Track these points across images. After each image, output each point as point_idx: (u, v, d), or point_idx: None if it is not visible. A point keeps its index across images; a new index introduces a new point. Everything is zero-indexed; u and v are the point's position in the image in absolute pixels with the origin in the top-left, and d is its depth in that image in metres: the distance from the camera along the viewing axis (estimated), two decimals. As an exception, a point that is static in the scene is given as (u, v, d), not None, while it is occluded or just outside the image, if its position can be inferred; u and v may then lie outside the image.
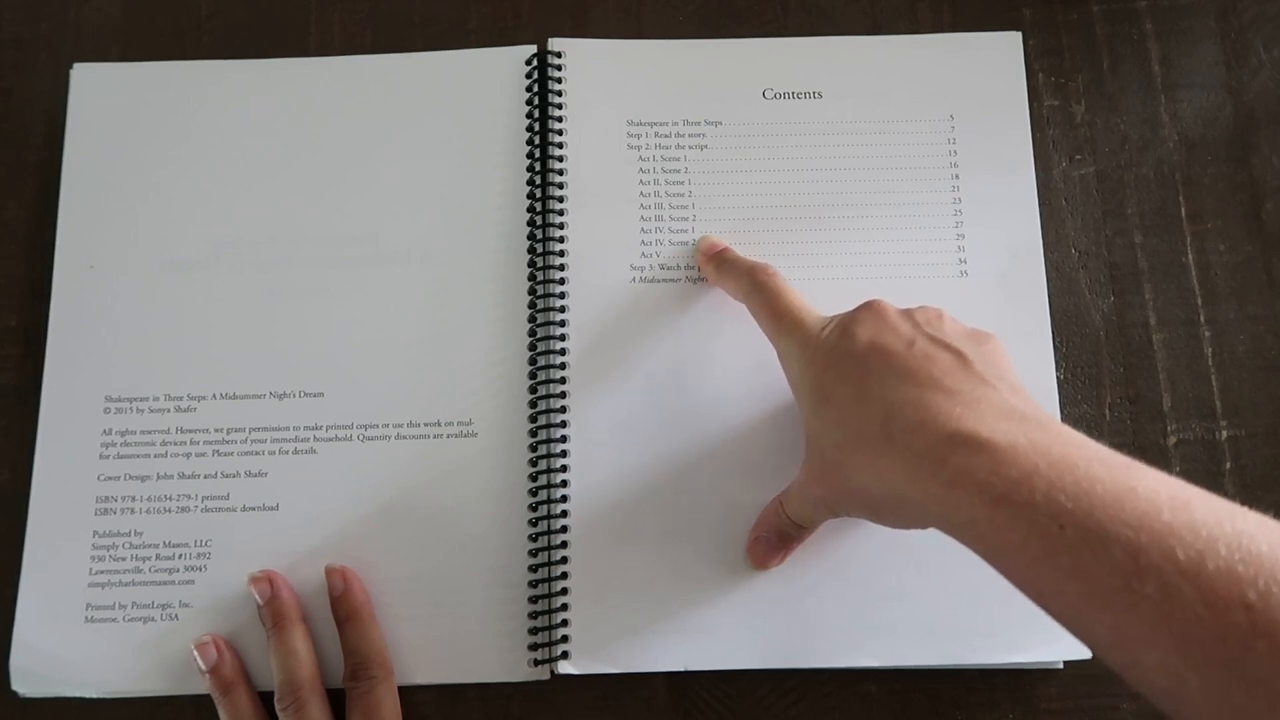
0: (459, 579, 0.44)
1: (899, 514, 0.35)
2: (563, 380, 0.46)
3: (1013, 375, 0.36)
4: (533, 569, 0.44)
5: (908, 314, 0.38)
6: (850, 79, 0.50)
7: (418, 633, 0.44)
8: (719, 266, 0.46)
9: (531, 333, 0.47)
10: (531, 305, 0.47)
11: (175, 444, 0.46)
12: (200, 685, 0.43)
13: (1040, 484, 0.29)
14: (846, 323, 0.38)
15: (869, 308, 0.38)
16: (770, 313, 0.42)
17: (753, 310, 0.43)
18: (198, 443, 0.46)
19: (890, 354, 0.35)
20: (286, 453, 0.46)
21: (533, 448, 0.45)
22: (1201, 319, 0.48)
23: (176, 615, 0.44)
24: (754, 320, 0.43)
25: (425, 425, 0.46)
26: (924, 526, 0.34)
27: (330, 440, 0.46)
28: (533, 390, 0.46)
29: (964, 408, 0.32)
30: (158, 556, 0.44)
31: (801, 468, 0.40)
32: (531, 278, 0.47)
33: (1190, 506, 0.27)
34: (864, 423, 0.34)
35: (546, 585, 0.44)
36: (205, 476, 0.45)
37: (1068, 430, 0.32)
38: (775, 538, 0.43)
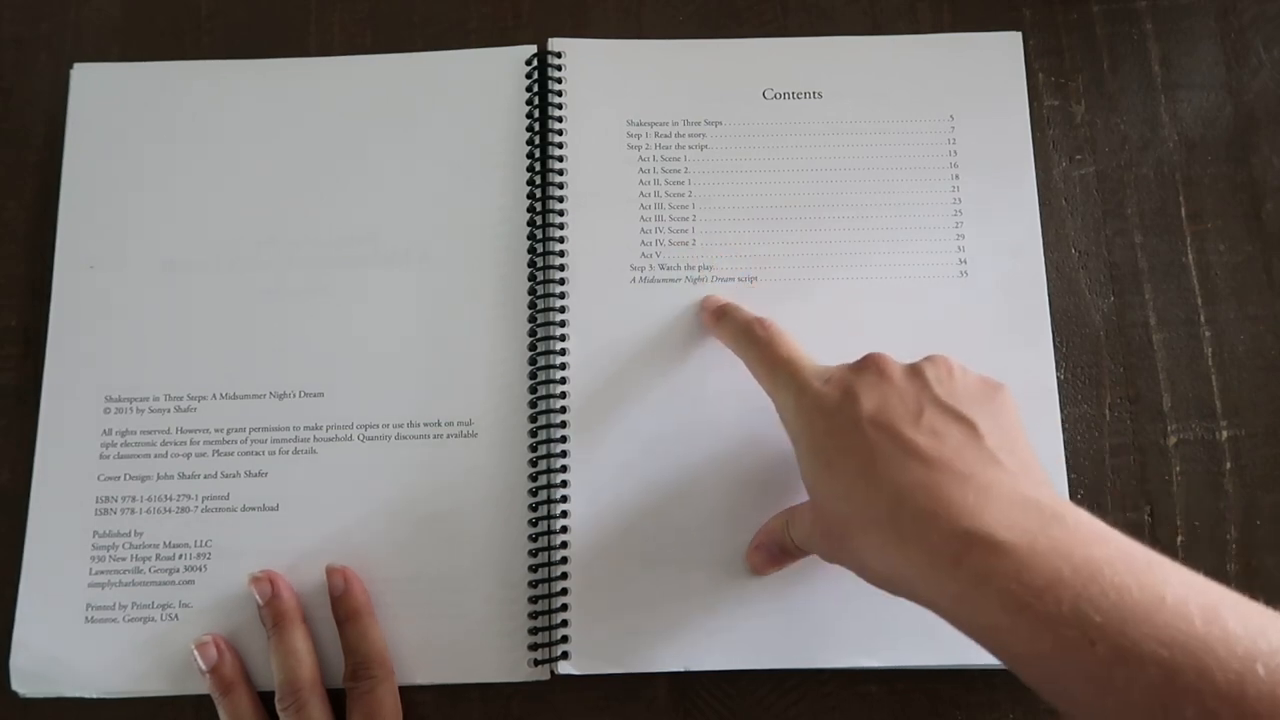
0: (459, 579, 0.44)
1: (903, 595, 0.34)
2: (563, 380, 0.46)
3: (1023, 442, 0.35)
4: (533, 569, 0.44)
5: (915, 373, 0.36)
6: (850, 79, 0.50)
7: (418, 633, 0.44)
8: (718, 319, 0.45)
9: (531, 333, 0.47)
10: (531, 305, 0.47)
11: (175, 444, 0.46)
12: (200, 685, 0.43)
13: (1066, 594, 0.28)
14: (849, 382, 0.36)
15: (871, 367, 0.37)
16: (765, 363, 0.40)
17: (748, 364, 0.42)
18: (198, 443, 0.46)
19: (896, 430, 0.34)
20: (286, 453, 0.46)
21: (533, 448, 0.45)
22: (1201, 319, 0.48)
23: (176, 615, 0.44)
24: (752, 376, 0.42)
25: (425, 425, 0.46)
26: (934, 611, 0.33)
27: (330, 440, 0.46)
28: (533, 390, 0.46)
29: (976, 496, 0.31)
30: (158, 557, 0.44)
31: (807, 508, 0.39)
32: (531, 278, 0.47)
33: (1222, 617, 0.26)
34: (871, 504, 0.33)
35: (546, 585, 0.44)
36: (205, 476, 0.45)
37: (1083, 519, 0.31)
38: (777, 550, 0.42)
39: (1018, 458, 0.33)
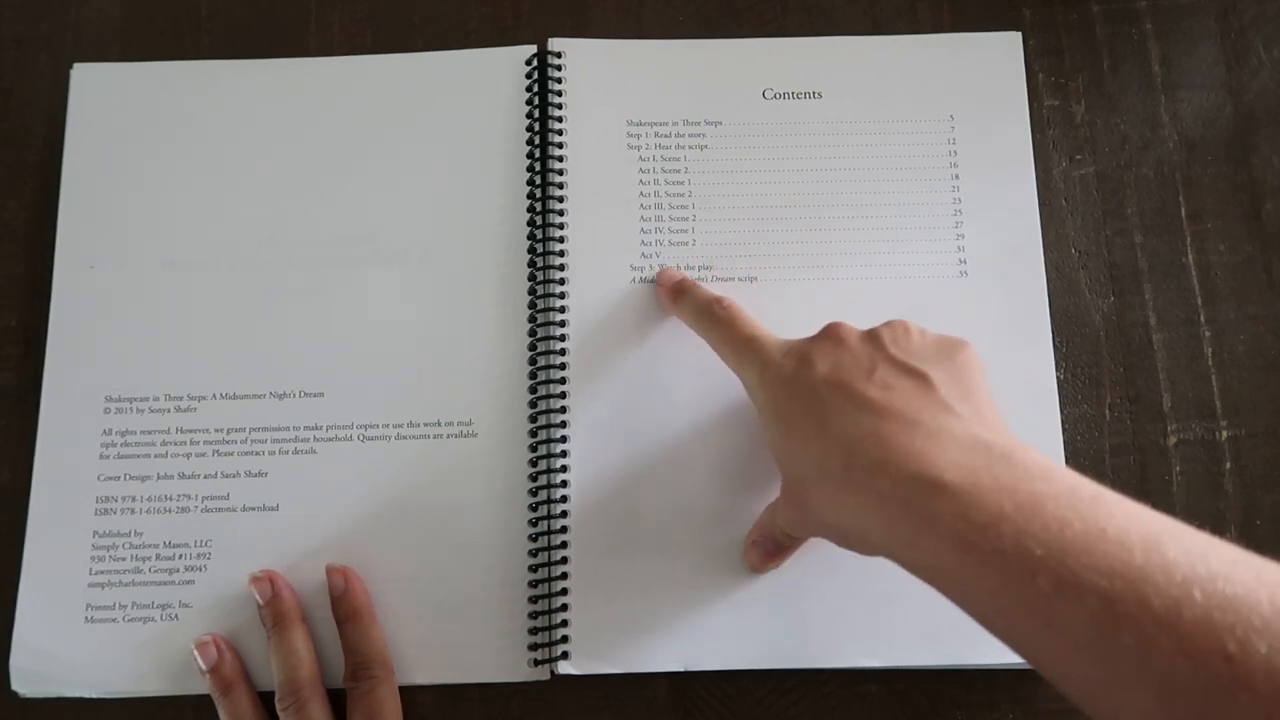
0: (459, 579, 0.44)
1: (866, 549, 0.34)
2: (563, 380, 0.46)
3: (981, 392, 0.35)
4: (533, 569, 0.44)
5: (871, 336, 0.37)
6: (850, 79, 0.50)
7: (418, 633, 0.44)
8: (676, 298, 0.45)
9: (531, 333, 0.47)
10: (531, 305, 0.47)
11: (175, 444, 0.46)
12: (200, 685, 0.43)
13: (1008, 529, 0.28)
14: (806, 350, 0.37)
15: (829, 334, 0.37)
16: (729, 343, 0.41)
17: (712, 344, 0.43)
18: (198, 443, 0.46)
19: (849, 386, 0.34)
20: (286, 453, 0.46)
21: (533, 448, 0.45)
22: (1201, 319, 0.48)
23: (176, 615, 0.44)
24: (716, 355, 0.42)
25: (425, 425, 0.46)
26: (893, 560, 0.33)
27: (330, 440, 0.46)
28: (533, 390, 0.46)
29: (925, 441, 0.32)
30: (158, 556, 0.44)
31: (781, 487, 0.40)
32: (531, 278, 0.47)
33: (1162, 545, 0.26)
34: (826, 458, 0.34)
35: (546, 585, 0.44)
36: (205, 476, 0.45)
37: (1032, 458, 0.31)
38: (770, 544, 0.42)
39: (971, 405, 0.34)
